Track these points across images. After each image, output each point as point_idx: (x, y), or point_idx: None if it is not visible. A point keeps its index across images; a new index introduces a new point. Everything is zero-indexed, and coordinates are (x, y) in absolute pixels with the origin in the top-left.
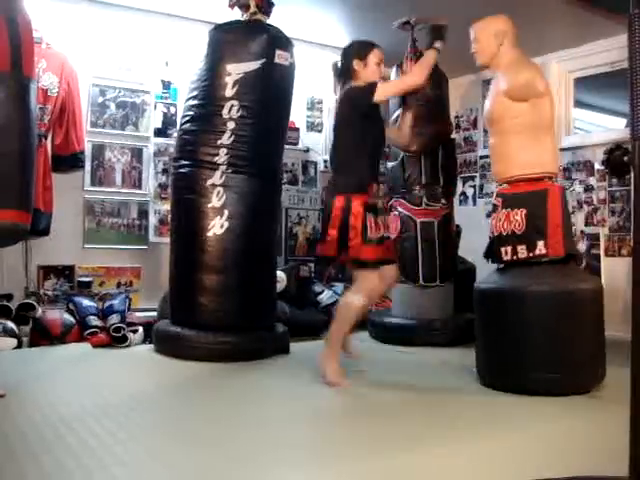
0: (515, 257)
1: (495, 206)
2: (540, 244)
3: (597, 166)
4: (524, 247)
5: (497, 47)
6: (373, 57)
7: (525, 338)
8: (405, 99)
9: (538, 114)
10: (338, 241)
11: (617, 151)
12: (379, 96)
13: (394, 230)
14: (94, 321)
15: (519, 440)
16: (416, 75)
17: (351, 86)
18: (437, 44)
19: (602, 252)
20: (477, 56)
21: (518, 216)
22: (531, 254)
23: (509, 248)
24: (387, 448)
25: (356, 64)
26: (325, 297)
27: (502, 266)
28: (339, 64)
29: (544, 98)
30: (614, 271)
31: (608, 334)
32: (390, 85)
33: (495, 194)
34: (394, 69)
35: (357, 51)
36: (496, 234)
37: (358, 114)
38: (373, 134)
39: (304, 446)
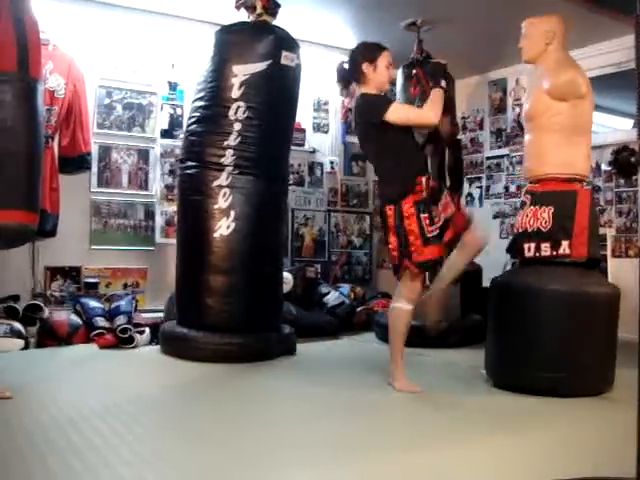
0: (538, 254)
1: (523, 202)
2: (565, 244)
3: (604, 167)
4: (548, 245)
5: (545, 45)
6: (383, 60)
7: (539, 337)
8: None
9: (577, 115)
10: (399, 249)
11: (624, 152)
12: (390, 118)
13: None
14: (101, 322)
15: (528, 441)
16: (432, 114)
17: (365, 97)
18: (442, 83)
19: (609, 253)
20: (523, 51)
21: (546, 214)
22: (554, 253)
23: (532, 245)
24: (394, 448)
25: (365, 67)
26: (331, 298)
27: (518, 263)
28: (345, 65)
29: (585, 100)
30: (621, 272)
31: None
32: (404, 111)
33: (524, 191)
34: (400, 70)
35: (366, 54)
36: (521, 230)
37: (376, 126)
38: (400, 136)
39: (311, 446)
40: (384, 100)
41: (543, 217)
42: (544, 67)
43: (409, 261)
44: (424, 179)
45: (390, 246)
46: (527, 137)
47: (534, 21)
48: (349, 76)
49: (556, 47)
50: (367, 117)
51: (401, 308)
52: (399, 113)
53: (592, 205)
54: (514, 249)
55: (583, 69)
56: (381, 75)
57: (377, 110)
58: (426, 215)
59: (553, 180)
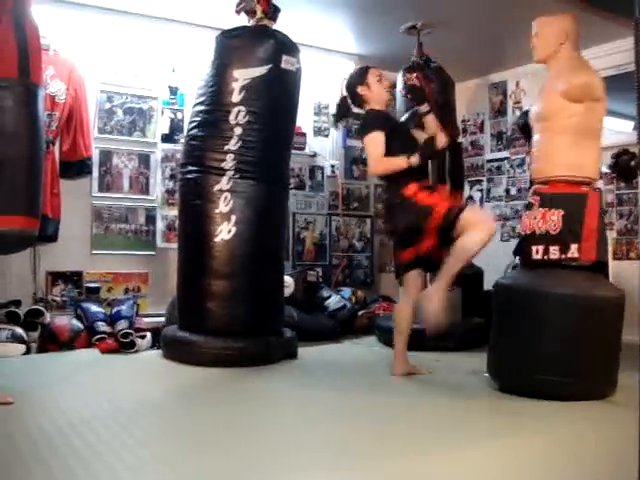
0: (546, 257)
1: (531, 204)
2: (574, 247)
3: (604, 169)
4: (557, 248)
5: (558, 45)
6: (372, 77)
7: (544, 340)
8: (420, 102)
9: (590, 118)
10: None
11: (625, 155)
12: (365, 141)
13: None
14: (102, 327)
15: (532, 444)
16: (375, 171)
17: (366, 113)
18: (413, 159)
19: (610, 255)
20: (535, 51)
21: (555, 216)
22: (563, 256)
23: (541, 247)
24: (397, 452)
25: (360, 90)
26: (333, 302)
27: (521, 265)
28: (345, 99)
29: (599, 103)
30: (622, 274)
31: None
32: (371, 146)
33: (532, 192)
34: (400, 73)
35: (356, 78)
36: (529, 232)
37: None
38: (396, 150)
39: (312, 451)
40: (372, 124)
41: (552, 219)
42: (557, 67)
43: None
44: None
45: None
46: (537, 137)
47: (547, 20)
48: (349, 107)
49: (569, 47)
50: (359, 129)
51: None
52: (368, 144)
53: (601, 208)
54: (521, 251)
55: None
56: (376, 91)
57: (362, 128)
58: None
59: (563, 182)
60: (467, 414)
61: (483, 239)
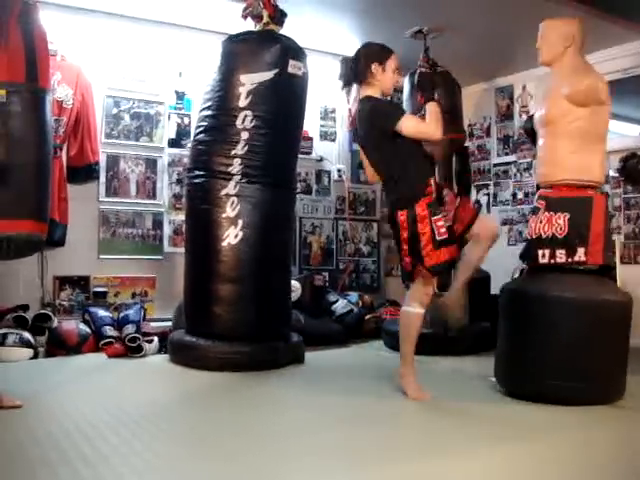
0: (553, 261)
1: (537, 208)
2: (580, 251)
3: (612, 173)
4: (563, 252)
5: (563, 48)
6: (392, 63)
7: (552, 345)
8: (424, 96)
9: (595, 122)
10: (412, 254)
11: (632, 159)
12: (401, 128)
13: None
14: (109, 331)
15: (539, 450)
16: (437, 131)
17: (375, 104)
18: (435, 95)
19: (617, 260)
20: (541, 53)
21: (561, 220)
22: (570, 260)
23: (547, 251)
24: (404, 456)
25: (374, 68)
26: (339, 306)
27: (528, 270)
28: (351, 62)
29: (604, 106)
30: (630, 279)
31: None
32: (414, 125)
33: (537, 196)
34: (407, 78)
35: (376, 54)
36: (535, 236)
37: (387, 134)
38: (410, 142)
39: (320, 456)
40: (396, 110)
41: (558, 223)
42: (562, 71)
43: (422, 265)
44: (432, 181)
45: (402, 252)
46: (542, 142)
47: (554, 23)
48: (354, 74)
49: (574, 51)
50: (379, 125)
51: (413, 312)
52: (409, 125)
53: (607, 212)
54: (528, 255)
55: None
56: (388, 78)
57: (390, 119)
58: (438, 217)
59: (568, 186)
60: (475, 419)
61: (487, 247)
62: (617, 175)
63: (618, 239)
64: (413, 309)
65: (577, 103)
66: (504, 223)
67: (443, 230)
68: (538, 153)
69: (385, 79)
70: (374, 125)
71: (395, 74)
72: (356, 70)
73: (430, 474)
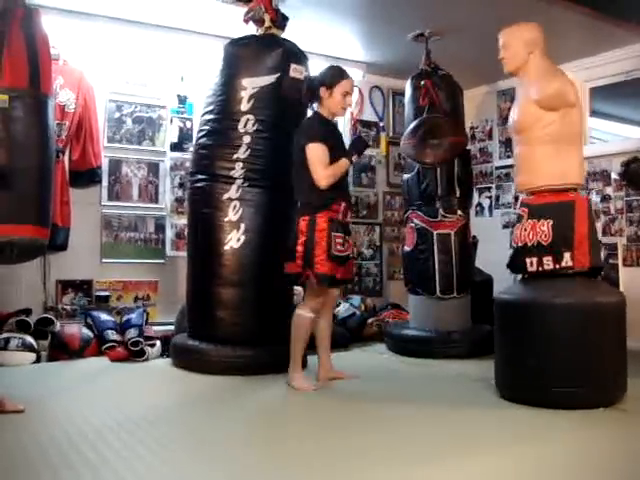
0: (540, 268)
1: (520, 216)
2: (567, 256)
3: (614, 176)
4: (550, 258)
5: (527, 55)
6: (340, 88)
7: (547, 350)
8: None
9: (567, 124)
10: (304, 258)
11: (634, 163)
12: (306, 151)
13: (410, 243)
14: (112, 335)
15: (540, 454)
16: (324, 181)
17: (307, 120)
18: (354, 157)
19: (620, 262)
20: (505, 63)
21: (545, 227)
22: (557, 266)
23: (534, 259)
24: (405, 461)
25: (322, 92)
26: (342, 310)
27: (522, 277)
28: (305, 85)
29: (574, 108)
30: (632, 281)
31: (628, 345)
32: (313, 156)
33: (519, 204)
34: (409, 81)
35: (325, 79)
36: (520, 245)
37: (301, 147)
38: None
39: (323, 459)
40: (312, 134)
41: (542, 230)
42: (529, 77)
43: (311, 271)
44: (343, 205)
45: (296, 255)
46: (517, 150)
47: (513, 30)
48: (307, 96)
49: (538, 55)
50: (298, 138)
51: (304, 315)
52: (310, 154)
53: (590, 212)
54: (515, 264)
55: (582, 78)
56: (335, 101)
57: (303, 137)
58: (338, 234)
59: (547, 192)
60: (477, 423)
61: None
62: (619, 179)
63: (620, 242)
64: (305, 313)
65: (547, 108)
66: (506, 226)
67: (340, 249)
68: (515, 161)
69: (331, 102)
70: (296, 134)
71: (344, 98)
72: (308, 93)
73: (431, 478)
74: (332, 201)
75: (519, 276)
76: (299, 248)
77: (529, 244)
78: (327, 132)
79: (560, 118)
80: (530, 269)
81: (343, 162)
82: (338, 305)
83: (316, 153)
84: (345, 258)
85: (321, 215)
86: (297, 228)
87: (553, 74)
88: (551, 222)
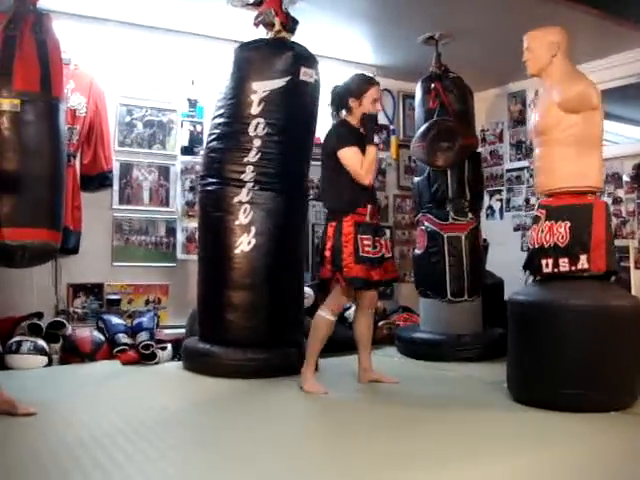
0: (556, 270)
1: (537, 217)
2: (583, 258)
3: (625, 178)
4: (566, 260)
5: (550, 58)
6: (369, 96)
7: (561, 352)
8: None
9: (589, 127)
10: (332, 262)
11: None
12: (340, 156)
13: (421, 246)
14: (123, 339)
15: (552, 457)
16: (366, 177)
17: (337, 127)
18: (375, 139)
19: (632, 265)
20: (528, 65)
21: (562, 229)
22: (573, 268)
23: (550, 260)
24: (416, 464)
25: (351, 102)
26: (352, 313)
27: (535, 279)
28: (331, 99)
29: (596, 111)
30: None
31: None
32: (349, 159)
33: (537, 205)
34: (419, 84)
35: (353, 89)
36: (537, 246)
37: (332, 154)
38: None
39: (334, 463)
40: (343, 139)
41: (560, 232)
42: (551, 80)
43: (340, 275)
44: (370, 207)
45: (324, 259)
46: (537, 151)
47: (537, 34)
48: (335, 109)
49: (561, 59)
50: (328, 143)
51: (325, 317)
52: (345, 157)
53: (608, 216)
54: (531, 265)
55: (593, 80)
56: (365, 110)
57: (336, 143)
58: (365, 237)
59: (567, 193)
60: (489, 427)
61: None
62: (630, 181)
63: (632, 244)
64: (326, 314)
65: (569, 110)
66: (517, 229)
67: (369, 250)
68: (535, 162)
69: (361, 111)
70: (326, 142)
71: (374, 105)
72: (337, 106)
73: None
74: (358, 205)
75: (530, 278)
76: (327, 253)
77: (545, 245)
78: (356, 138)
79: (582, 121)
80: (545, 270)
81: (370, 150)
82: (349, 308)
83: (351, 155)
84: (379, 259)
85: (347, 219)
86: (325, 234)
87: (576, 77)
88: (569, 224)
